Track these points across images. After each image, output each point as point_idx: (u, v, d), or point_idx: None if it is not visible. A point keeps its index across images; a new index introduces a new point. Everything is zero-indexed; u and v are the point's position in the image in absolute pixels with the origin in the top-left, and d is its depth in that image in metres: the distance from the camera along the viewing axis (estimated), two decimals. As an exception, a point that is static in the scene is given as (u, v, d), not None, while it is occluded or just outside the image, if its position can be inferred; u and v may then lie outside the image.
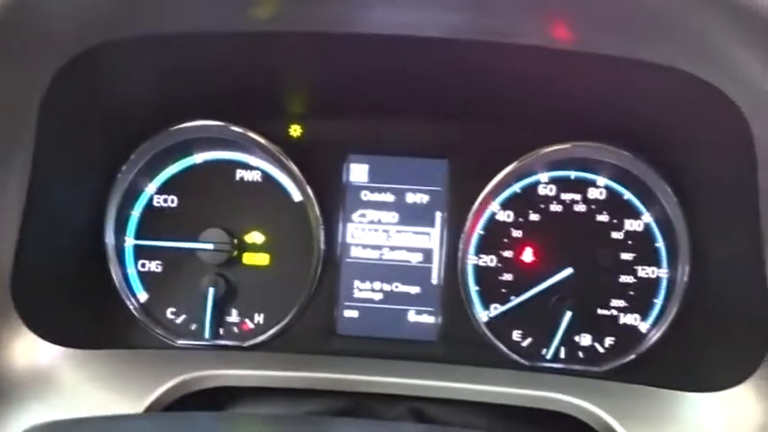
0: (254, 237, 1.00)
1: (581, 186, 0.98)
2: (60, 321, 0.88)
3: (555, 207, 0.98)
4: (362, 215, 1.01)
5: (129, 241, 1.00)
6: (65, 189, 0.88)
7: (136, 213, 1.00)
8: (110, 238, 0.98)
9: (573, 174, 0.98)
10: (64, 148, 0.84)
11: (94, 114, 0.88)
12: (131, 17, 0.74)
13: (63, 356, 0.86)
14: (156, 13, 0.75)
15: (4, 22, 0.62)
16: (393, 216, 1.00)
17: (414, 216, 1.00)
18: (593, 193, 0.98)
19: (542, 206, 0.98)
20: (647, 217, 0.97)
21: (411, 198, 1.01)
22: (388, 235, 1.00)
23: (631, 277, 0.96)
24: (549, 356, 0.96)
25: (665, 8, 0.63)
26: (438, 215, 1.00)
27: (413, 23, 0.77)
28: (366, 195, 1.01)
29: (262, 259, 1.00)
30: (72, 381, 0.85)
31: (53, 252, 0.88)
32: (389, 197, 1.01)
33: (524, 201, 0.98)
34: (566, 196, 0.98)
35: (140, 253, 1.00)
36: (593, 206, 0.98)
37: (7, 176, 0.75)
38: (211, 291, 0.98)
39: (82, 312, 0.94)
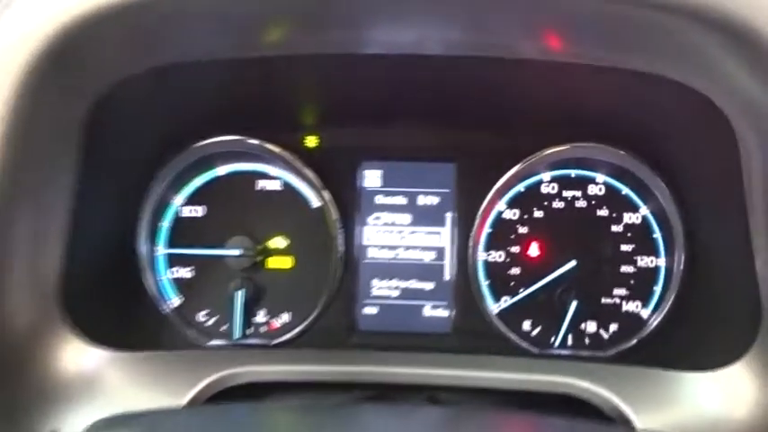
0: (277, 242, 1.07)
1: (581, 184, 1.04)
2: (102, 327, 0.94)
3: (557, 204, 1.05)
4: (377, 218, 1.07)
5: (161, 250, 1.07)
6: (102, 205, 0.95)
7: (166, 224, 1.07)
8: (142, 248, 1.05)
9: (573, 172, 1.05)
10: (101, 168, 0.91)
11: (127, 135, 0.94)
12: (157, 49, 0.81)
13: (106, 359, 0.92)
14: (179, 45, 0.82)
15: (55, 52, 0.69)
16: (406, 218, 1.07)
17: (425, 217, 1.07)
18: (592, 190, 1.04)
19: (546, 203, 1.05)
20: (644, 210, 1.03)
21: (422, 200, 1.07)
22: (401, 235, 1.07)
23: (631, 267, 1.03)
24: (557, 344, 1.03)
25: (653, 26, 0.69)
26: (448, 215, 1.06)
27: (415, 42, 0.83)
28: (380, 199, 1.07)
29: (285, 263, 1.07)
30: (116, 382, 0.91)
31: (93, 263, 0.95)
32: (402, 200, 1.07)
33: (529, 199, 1.05)
34: (567, 193, 1.05)
35: (172, 261, 1.07)
36: (593, 202, 1.04)
37: (55, 196, 0.82)
38: (239, 294, 1.04)
39: (121, 318, 1.00)
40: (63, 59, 0.69)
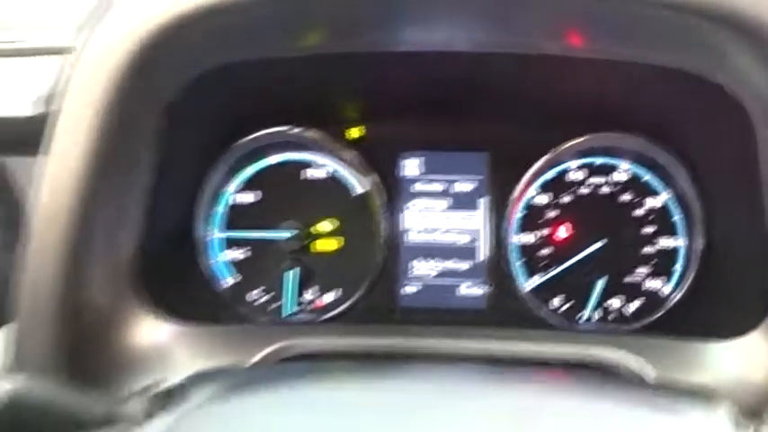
0: (324, 226, 1.15)
1: (606, 171, 1.13)
2: (169, 304, 1.03)
3: (584, 190, 1.13)
4: (416, 204, 1.16)
5: (216, 234, 1.15)
6: (167, 193, 1.03)
7: (220, 210, 1.15)
8: (199, 232, 1.13)
9: (598, 160, 1.13)
10: (168, 158, 0.99)
11: (189, 129, 1.03)
12: (222, 48, 0.90)
13: (173, 333, 1.00)
14: (239, 45, 0.90)
15: (150, 51, 0.77)
16: (443, 203, 1.15)
17: (461, 202, 1.15)
18: (616, 177, 1.13)
19: (573, 189, 1.13)
20: (665, 195, 1.11)
21: (458, 187, 1.16)
22: (439, 220, 1.15)
23: (653, 247, 1.11)
24: (584, 319, 1.11)
25: (666, 24, 0.77)
26: (482, 201, 1.15)
27: (445, 41, 0.91)
28: (419, 186, 1.16)
29: (331, 245, 1.15)
30: (183, 353, 0.99)
31: (160, 246, 1.04)
32: (439, 187, 1.16)
33: (557, 185, 1.13)
34: (593, 180, 1.13)
35: (226, 244, 1.16)
36: (617, 187, 1.12)
37: (133, 185, 0.91)
38: (289, 274, 1.13)
39: (183, 296, 1.09)
40: (155, 58, 0.78)
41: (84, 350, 0.90)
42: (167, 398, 0.71)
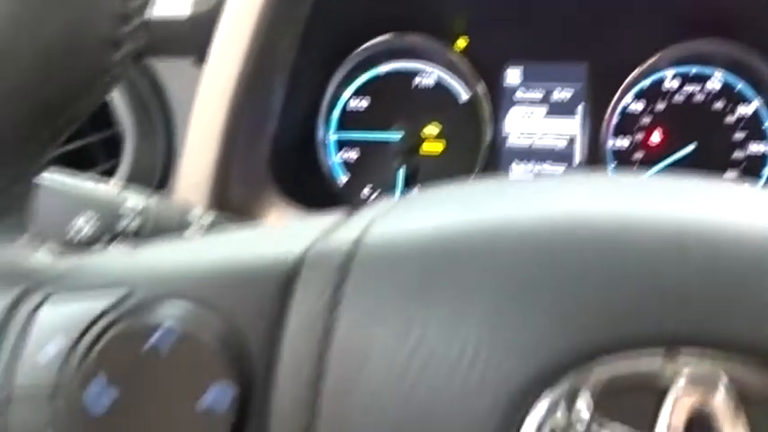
0: (431, 130, 1.25)
1: (700, 80, 1.19)
2: (298, 196, 1.16)
3: (678, 98, 1.20)
4: (517, 110, 1.25)
5: (332, 136, 1.27)
6: (295, 99, 1.16)
7: (336, 114, 1.27)
8: (319, 134, 1.26)
9: (693, 69, 1.19)
10: (298, 65, 1.11)
11: (316, 40, 1.14)
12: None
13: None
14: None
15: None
16: (542, 110, 1.24)
17: (559, 109, 1.24)
18: (710, 85, 1.19)
19: (668, 97, 1.20)
20: (756, 103, 1.17)
21: (557, 95, 1.24)
22: (538, 126, 1.24)
23: (743, 152, 1.18)
24: (673, 219, 1.19)
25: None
26: (580, 108, 1.23)
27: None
28: (520, 94, 1.24)
29: (437, 148, 1.26)
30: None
31: (289, 145, 1.16)
32: (539, 94, 1.24)
33: (652, 93, 1.20)
34: (687, 88, 1.19)
35: (341, 145, 1.27)
36: (709, 96, 1.19)
37: (274, 88, 1.03)
38: (399, 172, 1.24)
39: (308, 190, 1.22)
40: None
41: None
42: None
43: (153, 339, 0.37)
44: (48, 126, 0.42)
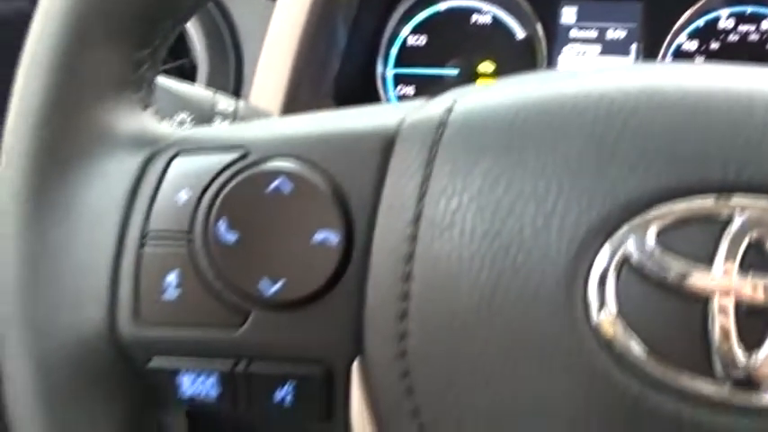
0: (486, 67, 1.29)
1: (755, 19, 1.21)
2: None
3: (732, 37, 1.22)
4: (572, 48, 1.28)
5: (390, 72, 1.32)
6: (358, 35, 1.21)
7: (395, 50, 1.31)
8: (378, 70, 1.30)
9: (748, 9, 1.21)
10: (364, 1, 1.16)
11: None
12: None
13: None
14: None
15: None
16: (596, 48, 1.27)
17: (613, 48, 1.26)
18: (765, 25, 1.21)
19: (722, 37, 1.22)
20: (811, 43, 1.19)
21: (611, 34, 1.26)
22: (592, 63, 1.27)
23: (795, 91, 1.20)
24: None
25: None
26: (633, 47, 1.25)
27: None
28: (574, 33, 1.27)
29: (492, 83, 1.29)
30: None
31: (351, 77, 1.21)
32: (593, 33, 1.27)
33: (707, 32, 1.22)
34: (742, 28, 1.21)
35: (398, 80, 1.32)
36: (764, 35, 1.21)
37: (340, 24, 1.08)
38: (454, 108, 1.29)
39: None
40: None
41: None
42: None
43: (274, 183, 0.42)
44: (171, 12, 0.47)
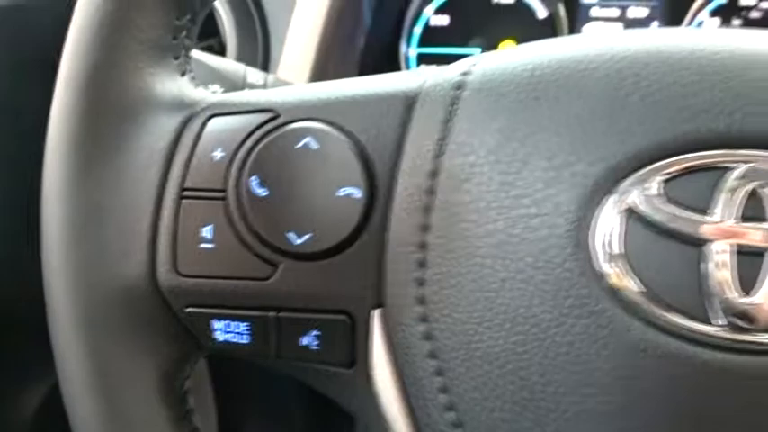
0: (508, 44, 1.31)
1: (778, -4, 1.22)
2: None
3: (755, 14, 1.22)
4: (593, 27, 1.29)
5: (413, 52, 1.34)
6: (382, 15, 1.23)
7: (418, 30, 1.33)
8: (402, 49, 1.33)
9: (771, -14, 1.22)
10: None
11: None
12: None
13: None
14: None
15: None
16: (618, 27, 1.28)
17: (635, 26, 1.27)
18: (788, 2, 1.21)
19: (743, 13, 1.23)
20: (833, 19, 1.20)
21: (632, 12, 1.27)
22: (613, 42, 1.28)
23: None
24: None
25: None
26: (655, 24, 1.26)
27: None
28: (595, 11, 1.28)
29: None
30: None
31: (375, 56, 1.24)
32: (615, 12, 1.28)
33: (728, 10, 1.23)
34: (763, 5, 1.22)
35: (421, 59, 1.34)
36: (787, 13, 1.21)
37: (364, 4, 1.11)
38: (476, 87, 1.31)
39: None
40: None
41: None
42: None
43: (302, 142, 0.45)
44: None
